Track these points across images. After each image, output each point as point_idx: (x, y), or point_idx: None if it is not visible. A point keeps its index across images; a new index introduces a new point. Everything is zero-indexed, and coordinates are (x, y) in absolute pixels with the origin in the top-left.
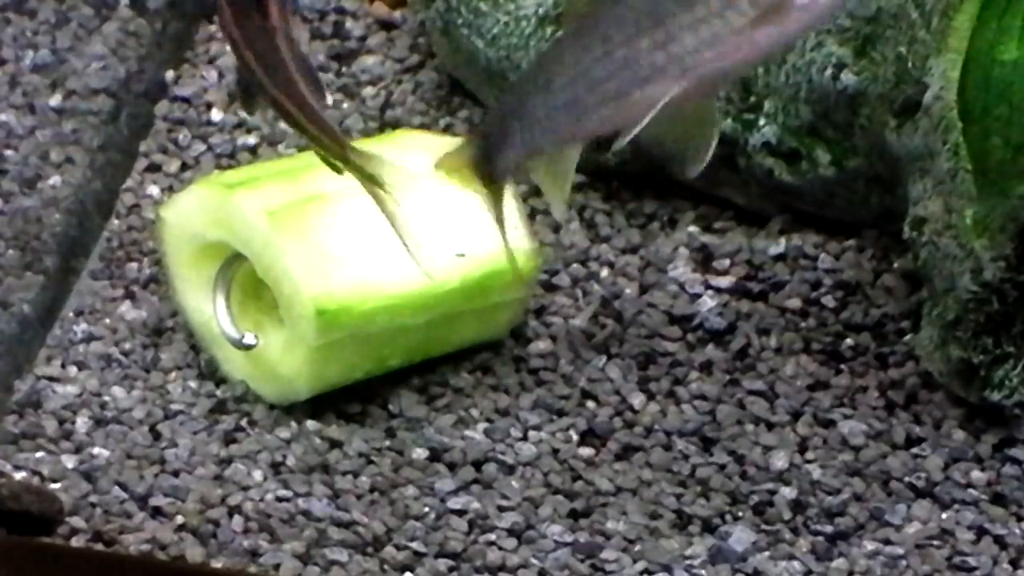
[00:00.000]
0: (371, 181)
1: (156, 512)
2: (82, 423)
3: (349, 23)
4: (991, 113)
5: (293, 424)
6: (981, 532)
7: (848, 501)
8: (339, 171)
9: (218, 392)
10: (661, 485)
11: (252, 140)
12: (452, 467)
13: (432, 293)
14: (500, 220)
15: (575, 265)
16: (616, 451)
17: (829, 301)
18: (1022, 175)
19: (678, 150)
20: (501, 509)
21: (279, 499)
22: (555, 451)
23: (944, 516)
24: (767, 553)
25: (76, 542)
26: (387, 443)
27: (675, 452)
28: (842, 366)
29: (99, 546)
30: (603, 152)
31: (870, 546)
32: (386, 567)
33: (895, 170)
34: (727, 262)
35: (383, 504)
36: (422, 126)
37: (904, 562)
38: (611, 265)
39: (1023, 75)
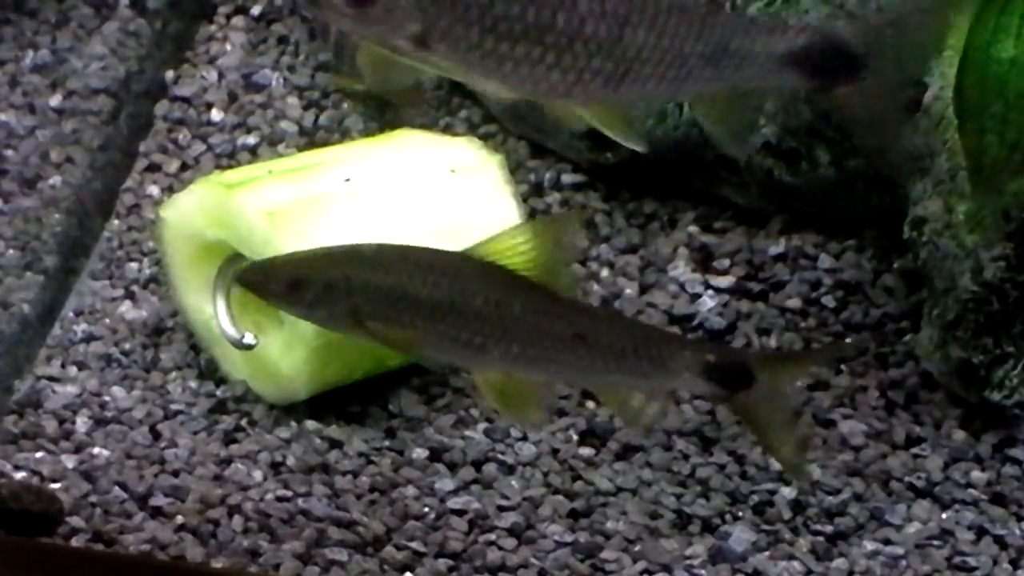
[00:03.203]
0: None
1: (156, 512)
2: (82, 423)
3: None
4: (987, 110)
5: (293, 424)
6: (981, 532)
7: (848, 501)
8: None
9: (218, 392)
10: (661, 485)
11: (252, 140)
12: (452, 467)
13: None
14: None
15: (575, 265)
16: (616, 451)
17: (829, 301)
18: (1016, 172)
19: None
20: (501, 509)
21: (279, 499)
22: (555, 451)
23: (944, 516)
24: (767, 553)
25: (76, 542)
26: (387, 443)
27: (675, 452)
28: (842, 366)
29: (99, 546)
30: (603, 152)
31: (870, 546)
32: (386, 567)
33: (895, 170)
34: (727, 262)
35: (383, 504)
36: (422, 126)
37: (904, 562)
38: (611, 265)
39: (1020, 73)
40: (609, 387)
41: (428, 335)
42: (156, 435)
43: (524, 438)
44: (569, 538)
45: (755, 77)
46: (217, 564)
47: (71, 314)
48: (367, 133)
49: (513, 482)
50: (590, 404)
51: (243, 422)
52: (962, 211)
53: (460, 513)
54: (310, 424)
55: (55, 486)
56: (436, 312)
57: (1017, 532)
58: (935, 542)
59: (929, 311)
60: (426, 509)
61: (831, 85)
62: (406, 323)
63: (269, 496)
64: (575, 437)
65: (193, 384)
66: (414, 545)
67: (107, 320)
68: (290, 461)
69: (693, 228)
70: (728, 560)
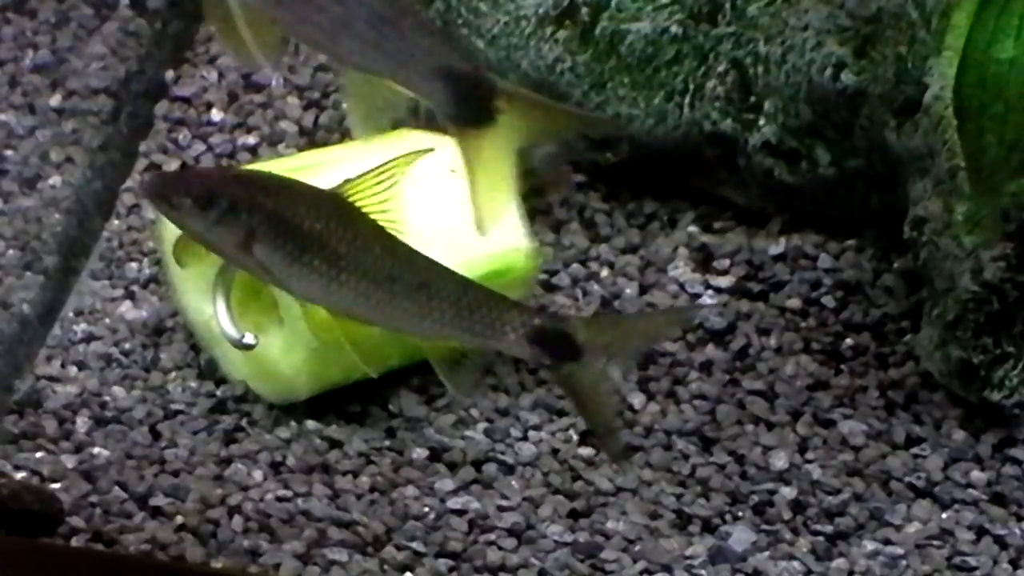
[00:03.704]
0: None
1: (156, 512)
2: (82, 423)
3: None
4: (986, 111)
5: (293, 424)
6: (981, 532)
7: (848, 501)
8: None
9: (218, 392)
10: (661, 485)
11: (252, 140)
12: (452, 467)
13: None
14: None
15: (575, 265)
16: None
17: (829, 301)
18: (1015, 173)
19: None
20: (501, 509)
21: (279, 499)
22: (555, 451)
23: (944, 516)
24: (767, 553)
25: (76, 542)
26: (387, 443)
27: (675, 452)
28: (842, 366)
29: (99, 546)
30: (602, 152)
31: (870, 546)
32: (386, 567)
33: (895, 170)
34: (727, 262)
35: (383, 504)
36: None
37: (904, 562)
38: (611, 265)
39: (1019, 73)
40: (439, 343)
41: (302, 268)
42: (156, 435)
43: (524, 438)
44: (569, 538)
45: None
46: (217, 564)
47: (71, 314)
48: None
49: (513, 482)
50: None
51: (243, 422)
52: (961, 212)
53: (460, 513)
54: (310, 424)
55: (55, 486)
56: (314, 246)
57: (1017, 532)
58: (935, 542)
59: (929, 311)
60: (426, 509)
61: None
62: (289, 253)
63: (269, 496)
64: (575, 437)
65: (193, 384)
66: (414, 545)
67: (107, 320)
68: (290, 461)
69: (693, 228)
70: (728, 560)
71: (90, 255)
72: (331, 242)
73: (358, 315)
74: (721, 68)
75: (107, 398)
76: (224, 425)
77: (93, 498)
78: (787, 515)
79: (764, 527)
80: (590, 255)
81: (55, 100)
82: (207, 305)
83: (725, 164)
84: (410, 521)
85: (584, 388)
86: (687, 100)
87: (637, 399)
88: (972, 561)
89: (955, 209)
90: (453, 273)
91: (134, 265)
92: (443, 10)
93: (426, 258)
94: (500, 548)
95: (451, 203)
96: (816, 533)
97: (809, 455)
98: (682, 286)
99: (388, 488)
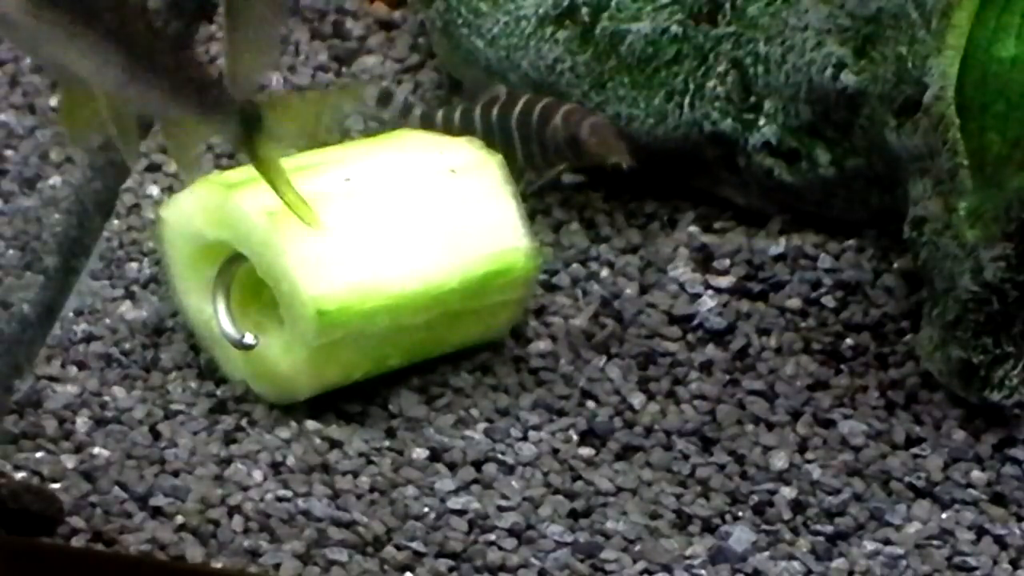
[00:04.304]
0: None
1: (156, 512)
2: (82, 423)
3: (349, 23)
4: (988, 109)
5: (293, 424)
6: (981, 532)
7: (848, 501)
8: None
9: (218, 392)
10: (661, 485)
11: None
12: (452, 467)
13: (432, 293)
14: None
15: (575, 265)
16: (616, 451)
17: (829, 301)
18: (1018, 168)
19: None
20: (501, 509)
21: (279, 499)
22: (555, 451)
23: (944, 516)
24: (767, 553)
25: (76, 542)
26: (387, 443)
27: (675, 452)
28: (842, 366)
29: (99, 546)
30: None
31: (870, 546)
32: (386, 567)
33: (895, 170)
34: (727, 262)
35: (383, 504)
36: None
37: (904, 562)
38: (611, 265)
39: (1021, 72)
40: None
41: (55, 27)
42: (156, 435)
43: (524, 438)
44: (569, 538)
45: None
46: (217, 564)
47: (71, 314)
48: (367, 133)
49: (513, 482)
50: (590, 404)
51: (243, 422)
52: (963, 207)
53: (460, 513)
54: (310, 424)
55: (55, 486)
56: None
57: (1017, 532)
58: (935, 542)
59: (929, 311)
60: (426, 509)
61: None
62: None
63: (269, 496)
64: (575, 437)
65: (193, 384)
66: (414, 545)
67: (107, 320)
68: (290, 461)
69: (693, 228)
70: (728, 560)
71: (90, 255)
72: None
73: (81, 76)
74: (721, 68)
75: (107, 398)
76: (224, 425)
77: (93, 498)
78: (787, 515)
79: (764, 527)
80: (590, 255)
81: (55, 100)
82: (207, 305)
83: (725, 164)
84: (410, 521)
85: (266, 156)
86: (687, 100)
87: (637, 399)
88: (972, 561)
89: (956, 207)
90: (174, 50)
91: (134, 265)
92: (443, 10)
93: (157, 32)
94: (500, 548)
95: (451, 203)
96: (816, 533)
97: (809, 455)
98: (682, 286)
99: (388, 488)
